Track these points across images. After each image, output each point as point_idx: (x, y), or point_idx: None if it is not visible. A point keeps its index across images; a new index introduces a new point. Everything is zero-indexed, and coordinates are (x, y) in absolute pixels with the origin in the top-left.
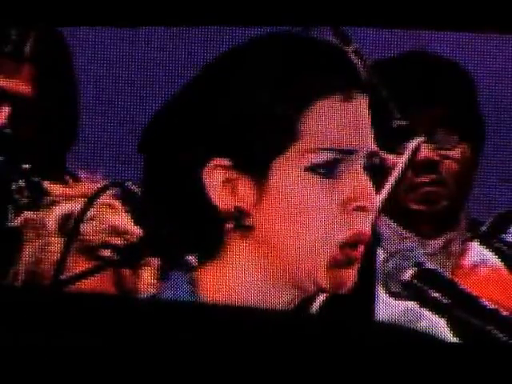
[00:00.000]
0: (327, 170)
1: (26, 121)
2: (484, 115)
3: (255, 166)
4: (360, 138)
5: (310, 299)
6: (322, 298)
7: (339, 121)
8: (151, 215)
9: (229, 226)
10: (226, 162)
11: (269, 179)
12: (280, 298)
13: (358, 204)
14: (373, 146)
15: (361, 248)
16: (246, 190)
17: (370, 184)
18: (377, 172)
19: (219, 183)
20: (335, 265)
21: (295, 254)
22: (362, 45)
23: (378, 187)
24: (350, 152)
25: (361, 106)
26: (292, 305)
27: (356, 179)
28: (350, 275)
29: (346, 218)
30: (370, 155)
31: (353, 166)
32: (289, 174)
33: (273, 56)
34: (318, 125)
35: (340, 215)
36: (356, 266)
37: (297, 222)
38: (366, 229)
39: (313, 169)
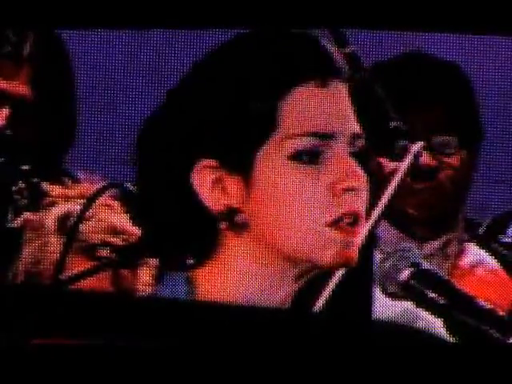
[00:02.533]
0: (310, 157)
1: (25, 122)
2: (481, 117)
3: (239, 161)
4: (341, 122)
5: (310, 300)
6: (323, 299)
7: (317, 106)
8: (146, 217)
9: (223, 225)
10: (212, 162)
11: (255, 173)
12: (276, 294)
13: (346, 185)
14: (356, 129)
15: (356, 227)
16: (234, 187)
17: (356, 165)
18: (362, 156)
19: (209, 184)
20: (336, 245)
21: (292, 240)
22: (360, 47)
23: (376, 192)
24: (330, 136)
25: (339, 91)
26: (288, 301)
27: (341, 162)
28: (352, 252)
29: (336, 200)
30: (354, 138)
31: (337, 150)
32: (273, 164)
33: (246, 49)
34: (296, 112)
35: (329, 198)
36: (356, 242)
37: (287, 211)
38: (359, 207)
39: (296, 157)
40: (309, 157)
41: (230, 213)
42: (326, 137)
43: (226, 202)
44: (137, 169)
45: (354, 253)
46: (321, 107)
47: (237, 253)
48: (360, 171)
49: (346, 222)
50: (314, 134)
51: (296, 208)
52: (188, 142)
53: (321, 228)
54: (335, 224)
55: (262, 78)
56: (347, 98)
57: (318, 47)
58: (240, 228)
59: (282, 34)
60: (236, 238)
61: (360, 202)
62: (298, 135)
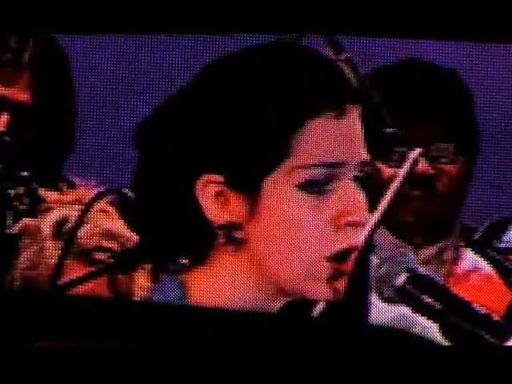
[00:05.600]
0: (318, 188)
1: (24, 128)
2: (479, 124)
3: (247, 183)
4: (351, 151)
5: (307, 304)
6: (320, 304)
7: (331, 138)
8: (144, 221)
9: (220, 236)
10: (218, 177)
11: (260, 196)
12: (268, 305)
13: (349, 219)
14: (364, 156)
15: (351, 259)
16: (238, 205)
17: (360, 197)
18: (368, 181)
19: (211, 198)
20: (326, 278)
21: (286, 268)
22: (356, 53)
23: (374, 198)
24: (339, 165)
25: (353, 118)
26: (275, 309)
27: (346, 194)
28: (341, 286)
29: (338, 234)
30: (362, 165)
31: (343, 180)
32: (280, 191)
33: (264, 74)
34: (310, 143)
35: (331, 231)
36: (346, 277)
37: (288, 238)
38: (358, 242)
39: (303, 186)
40: (315, 187)
41: (229, 227)
42: (336, 165)
43: (227, 216)
44: (139, 170)
45: (343, 285)
46: (335, 138)
47: (231, 264)
48: (363, 203)
49: (342, 257)
50: (325, 165)
51: (297, 238)
52: (194, 155)
53: (318, 261)
54: (333, 258)
55: (279, 108)
56: (359, 122)
57: (336, 74)
58: (237, 243)
59: (302, 59)
60: (232, 251)
61: (360, 236)
62: (310, 166)
